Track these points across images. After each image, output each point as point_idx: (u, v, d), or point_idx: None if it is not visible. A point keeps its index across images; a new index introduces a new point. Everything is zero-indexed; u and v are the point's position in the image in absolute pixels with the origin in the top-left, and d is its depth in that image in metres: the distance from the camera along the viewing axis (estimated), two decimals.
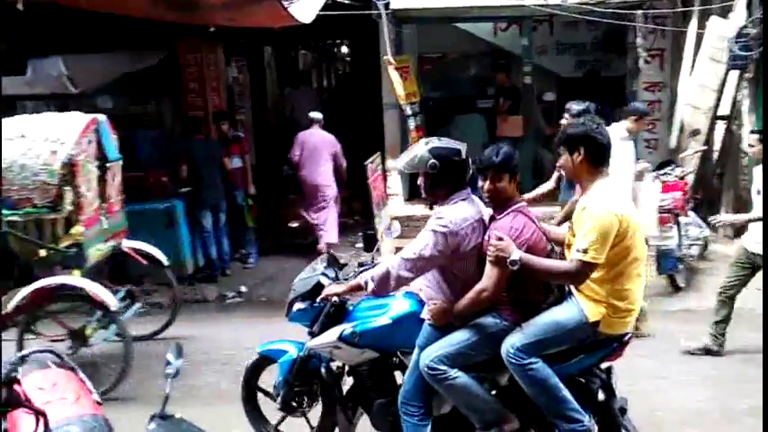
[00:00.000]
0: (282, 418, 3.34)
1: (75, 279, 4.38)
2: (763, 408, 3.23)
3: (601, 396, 2.74)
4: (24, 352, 2.10)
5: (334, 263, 3.32)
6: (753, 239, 4.46)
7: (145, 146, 7.58)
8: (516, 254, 2.54)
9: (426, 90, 8.52)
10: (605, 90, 7.95)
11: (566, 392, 2.67)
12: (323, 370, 3.18)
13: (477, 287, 2.68)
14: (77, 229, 4.45)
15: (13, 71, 7.32)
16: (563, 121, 4.70)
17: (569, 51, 8.97)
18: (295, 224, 8.07)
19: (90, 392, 2.08)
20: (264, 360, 3.41)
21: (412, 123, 8.09)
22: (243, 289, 6.47)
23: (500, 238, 2.59)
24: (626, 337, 2.76)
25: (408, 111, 7.84)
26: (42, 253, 4.43)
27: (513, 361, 2.65)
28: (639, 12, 6.85)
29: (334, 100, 12.20)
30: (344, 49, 14.61)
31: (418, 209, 7.94)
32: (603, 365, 2.84)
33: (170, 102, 7.76)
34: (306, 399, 3.28)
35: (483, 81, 9.15)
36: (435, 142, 2.89)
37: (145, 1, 5.10)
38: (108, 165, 4.93)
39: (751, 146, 4.93)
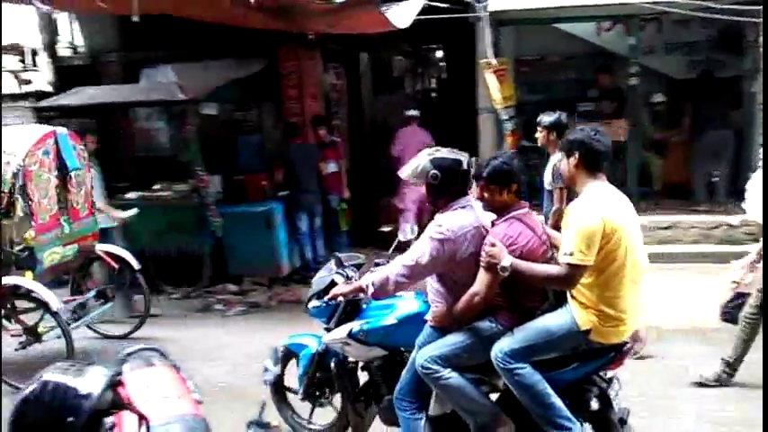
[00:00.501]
0: (312, 410, 3.52)
1: (22, 279, 4.62)
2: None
3: (594, 405, 2.73)
4: (131, 349, 2.18)
5: (339, 265, 3.41)
6: None
7: (245, 150, 7.88)
8: (507, 260, 2.61)
9: (523, 93, 8.29)
10: (721, 92, 7.40)
11: (555, 399, 2.67)
12: (332, 364, 3.30)
13: (470, 291, 2.74)
14: (29, 234, 4.68)
15: (130, 80, 7.86)
16: (536, 135, 4.88)
17: (680, 51, 8.39)
18: (387, 228, 8.08)
19: (190, 391, 2.12)
20: (290, 353, 3.56)
21: (507, 127, 7.90)
22: None
23: (493, 244, 2.66)
24: (624, 347, 2.76)
25: (504, 115, 7.67)
26: None
27: (501, 365, 2.70)
28: (761, 7, 6.31)
29: (428, 105, 12.14)
30: (439, 54, 14.53)
31: None
32: (608, 374, 2.82)
33: (270, 107, 8.01)
34: (327, 390, 3.43)
35: (584, 83, 8.76)
36: (438, 153, 2.97)
37: (249, 11, 5.28)
38: (71, 174, 5.14)
39: None
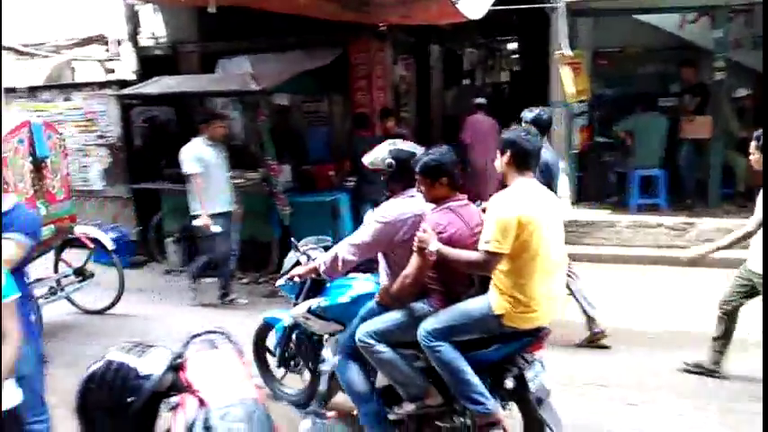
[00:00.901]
0: (284, 374, 4.02)
1: None
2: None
3: (509, 384, 2.97)
4: (196, 332, 2.25)
5: (296, 249, 3.73)
6: (753, 256, 3.93)
7: (314, 141, 7.98)
8: (435, 245, 2.85)
9: (600, 87, 8.00)
10: None
11: (470, 376, 2.91)
12: (293, 336, 3.76)
13: (403, 273, 3.00)
14: None
15: (206, 71, 8.11)
16: None
17: None
18: None
19: (251, 376, 2.16)
20: (267, 326, 4.02)
21: (579, 123, 7.65)
22: None
23: (424, 231, 2.90)
24: (541, 332, 2.99)
25: (576, 109, 7.41)
26: None
27: (424, 342, 2.96)
28: None
29: (499, 98, 11.93)
30: (512, 46, 14.23)
31: (585, 213, 7.50)
32: (535, 356, 3.05)
33: (340, 99, 8.07)
34: (299, 359, 3.86)
35: (665, 77, 8.38)
36: (397, 145, 3.32)
37: (324, 2, 5.32)
38: (44, 161, 5.49)
39: (751, 153, 3.97)
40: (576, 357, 4.64)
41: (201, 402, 1.82)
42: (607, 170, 8.15)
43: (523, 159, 2.99)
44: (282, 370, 4.00)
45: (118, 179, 7.88)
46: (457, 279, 3.06)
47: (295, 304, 3.59)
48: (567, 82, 6.76)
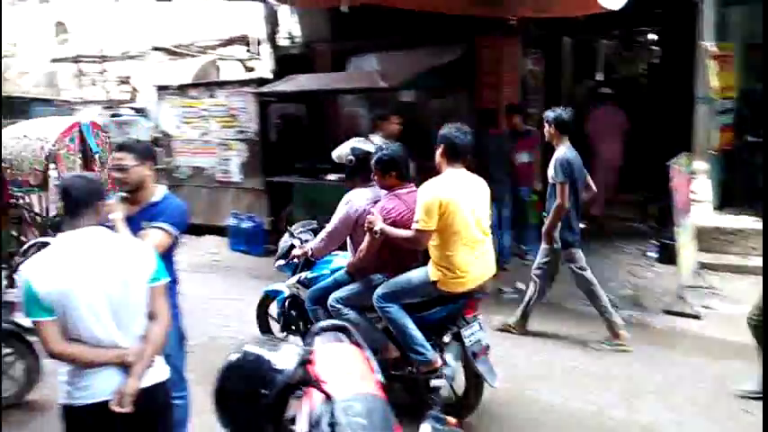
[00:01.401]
0: (285, 336, 4.47)
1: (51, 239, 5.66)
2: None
3: (446, 339, 3.66)
4: (321, 325, 2.35)
5: (291, 235, 4.50)
6: None
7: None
8: (379, 225, 3.54)
9: (751, 83, 7.28)
10: None
11: (413, 332, 3.57)
12: (286, 303, 4.41)
13: (359, 248, 3.76)
14: (60, 204, 5.10)
15: (337, 69, 8.39)
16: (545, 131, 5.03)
17: None
18: (582, 225, 7.70)
19: (373, 371, 2.23)
20: (268, 297, 4.73)
21: (721, 121, 7.02)
22: (520, 286, 6.38)
23: (371, 213, 3.63)
24: (473, 296, 3.64)
25: (720, 106, 6.82)
26: (38, 220, 6.22)
27: (377, 304, 3.64)
28: None
29: (637, 92, 11.23)
30: (652, 37, 13.31)
31: (729, 219, 6.89)
32: (475, 319, 3.71)
33: (465, 95, 8.01)
34: (300, 324, 4.39)
35: None
36: (357, 143, 4.45)
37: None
38: (94, 156, 6.49)
39: None
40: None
41: (327, 396, 1.89)
42: (757, 173, 7.41)
43: (453, 152, 3.59)
44: (284, 333, 4.55)
45: (254, 172, 8.39)
46: (404, 255, 3.73)
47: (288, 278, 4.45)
48: (713, 77, 6.24)
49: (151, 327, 2.45)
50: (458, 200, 3.45)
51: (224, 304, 6.25)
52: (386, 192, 3.78)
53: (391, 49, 7.79)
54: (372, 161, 3.74)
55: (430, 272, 3.55)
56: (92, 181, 2.55)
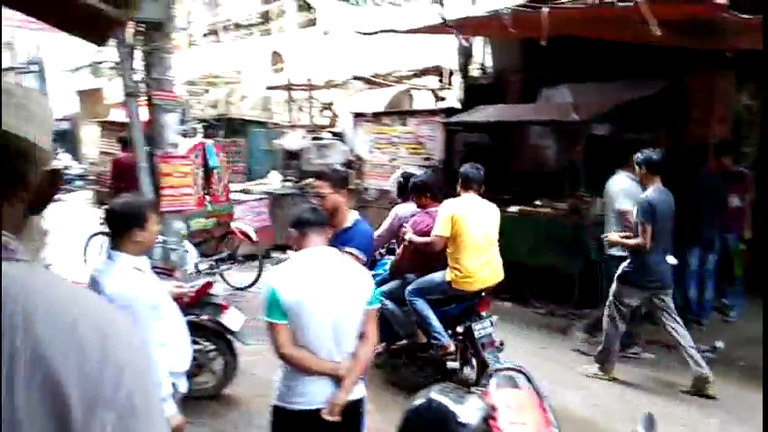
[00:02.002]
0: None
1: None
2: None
3: (459, 329, 4.61)
4: (497, 366, 2.31)
5: None
6: None
7: None
8: (409, 236, 4.62)
9: None
10: None
11: (434, 321, 4.55)
12: None
13: (396, 253, 4.94)
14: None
15: (527, 99, 8.30)
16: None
17: None
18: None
19: (549, 423, 2.14)
20: None
21: None
22: (719, 344, 5.70)
23: (403, 226, 4.74)
24: (483, 296, 4.64)
25: None
26: None
27: (407, 298, 4.64)
28: None
29: None
30: None
31: None
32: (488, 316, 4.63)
33: (665, 131, 7.43)
34: None
35: None
36: (404, 170, 6.33)
37: (662, 29, 4.95)
38: (212, 171, 7.81)
39: None
40: None
41: None
42: None
43: (467, 182, 4.66)
44: None
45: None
46: (430, 259, 4.60)
47: None
48: None
49: (361, 346, 2.63)
50: (467, 215, 4.48)
51: None
52: (421, 209, 4.79)
53: (585, 81, 7.51)
54: (410, 185, 4.95)
55: (446, 273, 4.53)
56: (319, 212, 2.84)
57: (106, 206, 2.85)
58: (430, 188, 4.81)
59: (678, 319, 4.97)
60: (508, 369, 2.36)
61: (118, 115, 16.20)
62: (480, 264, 4.50)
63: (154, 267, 4.49)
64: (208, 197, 7.88)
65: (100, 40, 2.93)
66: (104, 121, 16.09)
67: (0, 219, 0.93)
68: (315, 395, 2.52)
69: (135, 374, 0.92)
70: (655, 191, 4.88)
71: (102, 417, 0.87)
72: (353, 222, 3.54)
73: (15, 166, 0.94)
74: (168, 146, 5.25)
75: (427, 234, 4.55)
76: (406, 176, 5.32)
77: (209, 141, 8.26)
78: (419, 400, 1.79)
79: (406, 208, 4.97)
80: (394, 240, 5.13)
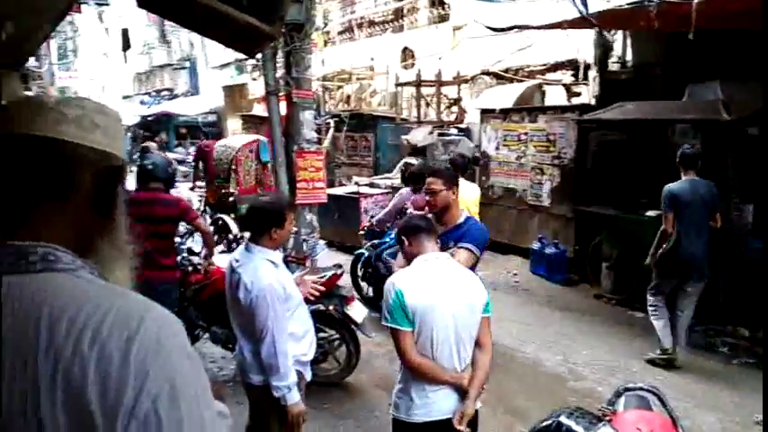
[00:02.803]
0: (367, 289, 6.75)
1: (225, 216, 8.56)
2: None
3: None
4: (627, 385, 2.19)
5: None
6: None
7: None
8: (409, 211, 5.43)
9: None
10: None
11: None
12: (362, 260, 7.04)
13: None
14: (232, 190, 9.01)
15: (670, 96, 7.75)
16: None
17: None
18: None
19: None
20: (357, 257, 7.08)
21: None
22: None
23: (406, 204, 5.90)
24: None
25: None
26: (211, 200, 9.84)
27: None
28: None
29: None
30: None
31: None
32: None
33: None
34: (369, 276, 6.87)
35: None
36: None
37: None
38: (265, 164, 9.25)
39: None
40: None
41: None
42: None
43: (459, 173, 4.69)
44: (365, 284, 6.94)
45: (564, 198, 8.28)
46: None
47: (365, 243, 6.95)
48: None
49: (480, 355, 2.60)
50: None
51: (517, 327, 6.33)
52: (417, 193, 5.49)
53: (736, 78, 6.87)
54: (407, 174, 6.11)
55: None
56: (427, 218, 2.86)
57: (248, 205, 3.05)
58: (423, 176, 4.77)
59: (692, 310, 5.38)
60: (640, 389, 2.23)
61: (258, 110, 17.29)
62: None
63: (286, 256, 4.79)
64: (260, 187, 9.34)
65: (250, 52, 3.14)
66: (246, 115, 17.20)
67: (46, 222, 0.94)
68: (437, 406, 2.50)
69: (162, 381, 0.87)
70: (682, 182, 5.30)
71: (124, 426, 0.84)
72: (464, 219, 3.54)
73: (61, 170, 0.95)
74: (304, 142, 5.51)
75: (422, 208, 4.44)
76: (410, 165, 6.45)
77: (263, 138, 9.38)
78: (547, 422, 1.75)
79: (407, 190, 6.07)
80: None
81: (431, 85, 11.44)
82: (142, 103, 28.56)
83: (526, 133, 8.82)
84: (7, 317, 0.85)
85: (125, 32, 21.74)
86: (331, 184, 11.28)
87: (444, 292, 2.51)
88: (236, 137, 11.18)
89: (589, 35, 9.21)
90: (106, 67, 33.49)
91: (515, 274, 8.36)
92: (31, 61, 15.74)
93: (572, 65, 10.18)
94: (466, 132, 10.74)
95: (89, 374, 0.84)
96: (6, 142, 0.93)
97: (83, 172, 0.96)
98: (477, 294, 2.60)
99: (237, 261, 2.86)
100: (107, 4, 15.52)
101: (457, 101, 11.57)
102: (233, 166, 9.64)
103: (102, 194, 0.99)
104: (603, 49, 9.14)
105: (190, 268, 4.84)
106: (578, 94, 9.80)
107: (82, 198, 0.97)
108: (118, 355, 0.85)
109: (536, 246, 8.33)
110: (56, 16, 8.32)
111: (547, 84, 10.45)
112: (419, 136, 10.83)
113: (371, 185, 10.32)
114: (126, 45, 22.21)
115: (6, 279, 0.88)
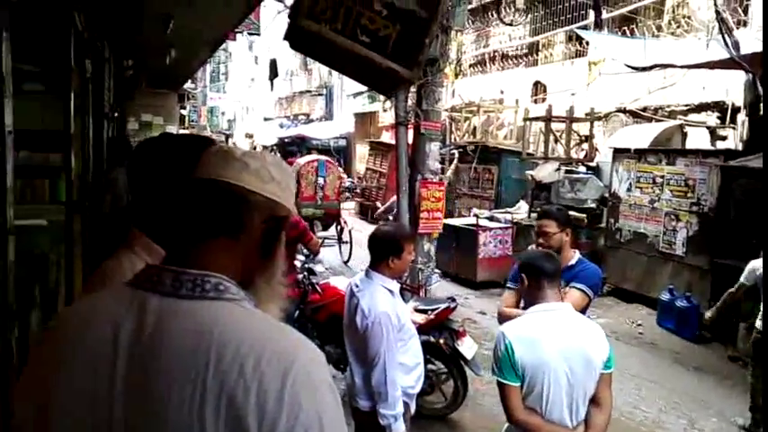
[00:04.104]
0: None
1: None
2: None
3: None
4: None
5: None
6: None
7: None
8: None
9: None
10: None
11: None
12: None
13: None
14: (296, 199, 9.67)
15: None
16: None
17: None
18: None
19: None
20: None
21: None
22: None
23: None
24: None
25: None
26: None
27: None
28: None
29: None
30: None
31: None
32: None
33: None
34: None
35: None
36: None
37: None
38: (322, 178, 11.88)
39: None
40: None
41: None
42: None
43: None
44: None
45: (701, 248, 7.71)
46: None
47: None
48: None
49: (596, 414, 2.43)
50: None
51: (640, 383, 5.93)
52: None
53: None
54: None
55: None
56: (554, 259, 2.67)
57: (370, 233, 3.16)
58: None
59: None
60: None
61: (386, 137, 17.81)
62: None
63: (401, 284, 4.88)
64: (318, 195, 11.81)
65: (388, 93, 3.32)
66: (374, 142, 17.77)
67: (216, 256, 1.05)
68: None
69: (313, 414, 0.94)
70: None
71: None
72: (576, 260, 3.42)
73: (238, 213, 1.07)
74: (429, 172, 5.62)
75: None
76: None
77: (323, 158, 12.60)
78: None
79: None
80: None
81: (561, 121, 11.18)
82: (281, 125, 30.46)
83: (662, 176, 8.34)
84: (184, 335, 0.97)
85: (273, 63, 23.36)
86: (450, 215, 11.34)
87: (559, 347, 2.37)
88: (304, 157, 13.88)
89: (739, 76, 8.59)
90: (252, 90, 36.11)
91: (640, 325, 7.87)
92: (188, 83, 17.37)
93: (718, 107, 9.53)
94: (595, 171, 10.36)
95: (250, 400, 0.93)
96: (196, 184, 1.09)
97: (255, 216, 1.09)
98: (597, 349, 2.43)
99: (357, 287, 2.97)
100: (258, 35, 16.84)
101: (588, 138, 11.21)
102: (297, 179, 11.61)
103: (268, 238, 1.11)
104: (755, 92, 8.48)
105: (309, 288, 5.07)
106: (724, 138, 9.14)
107: (250, 239, 1.09)
108: (275, 387, 0.94)
109: (665, 296, 7.79)
110: (213, 46, 9.21)
111: (689, 125, 9.85)
112: (545, 172, 10.60)
113: (491, 219, 10.23)
114: (273, 74, 23.86)
115: (186, 303, 1.00)
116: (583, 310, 3.16)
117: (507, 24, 15.31)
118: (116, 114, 9.67)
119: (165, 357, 0.96)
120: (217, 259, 1.05)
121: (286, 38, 1.93)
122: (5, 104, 1.68)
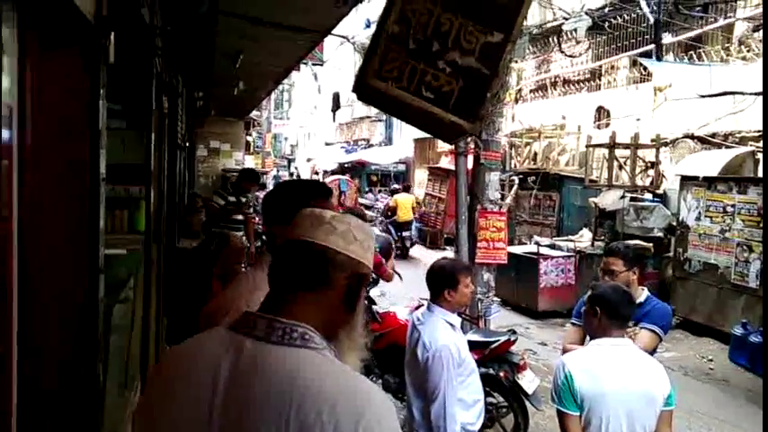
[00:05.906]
0: None
1: None
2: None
3: None
4: None
5: None
6: None
7: None
8: None
9: None
10: None
11: None
12: None
13: None
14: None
15: None
16: None
17: None
18: None
19: None
20: None
21: None
22: None
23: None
24: None
25: None
26: None
27: None
28: None
29: None
30: None
31: None
32: None
33: None
34: None
35: None
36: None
37: None
38: (344, 192, 17.00)
39: None
40: None
41: None
42: None
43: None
44: None
45: None
46: None
47: None
48: None
49: None
50: None
51: (709, 422, 5.69)
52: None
53: None
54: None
55: None
56: (633, 303, 2.68)
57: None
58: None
59: None
60: None
61: (444, 162, 17.87)
62: None
63: (460, 315, 4.89)
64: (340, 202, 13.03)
65: (450, 141, 3.43)
66: (433, 167, 17.85)
67: (305, 307, 1.18)
68: None
69: None
70: None
71: None
72: (645, 298, 3.34)
73: (324, 270, 1.19)
74: (488, 202, 5.64)
75: None
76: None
77: (344, 178, 14.43)
78: None
79: None
80: None
81: (626, 147, 10.94)
82: (346, 151, 31.00)
83: (733, 205, 8.03)
84: (272, 377, 1.09)
85: (336, 96, 23.92)
86: (510, 242, 11.22)
87: (618, 380, 2.40)
88: (328, 177, 16.08)
89: None
90: (314, 117, 36.99)
91: (710, 360, 7.53)
92: (254, 111, 18.03)
93: None
94: (662, 199, 10.06)
95: None
96: (289, 244, 1.23)
97: (339, 274, 1.21)
98: (657, 385, 2.45)
99: (419, 320, 3.02)
100: (321, 65, 17.42)
101: (654, 164, 10.91)
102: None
103: (350, 293, 1.23)
104: None
105: (369, 316, 5.14)
106: None
107: (334, 294, 1.21)
108: (348, 430, 1.04)
109: (738, 331, 7.43)
110: (278, 78, 9.58)
111: (761, 152, 9.45)
112: (609, 199, 10.37)
113: (553, 247, 10.07)
114: (336, 106, 24.43)
115: (276, 348, 1.13)
116: (651, 352, 3.10)
117: (568, 56, 15.19)
118: (187, 144, 10.15)
119: (255, 395, 1.08)
120: (305, 310, 1.18)
121: (354, 91, 2.08)
122: (101, 155, 1.85)
